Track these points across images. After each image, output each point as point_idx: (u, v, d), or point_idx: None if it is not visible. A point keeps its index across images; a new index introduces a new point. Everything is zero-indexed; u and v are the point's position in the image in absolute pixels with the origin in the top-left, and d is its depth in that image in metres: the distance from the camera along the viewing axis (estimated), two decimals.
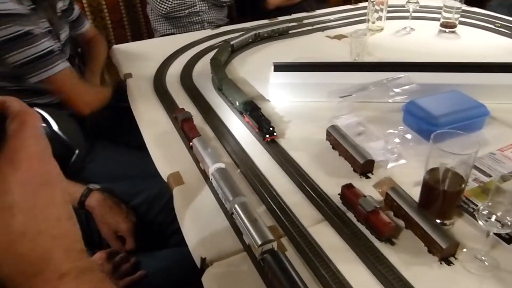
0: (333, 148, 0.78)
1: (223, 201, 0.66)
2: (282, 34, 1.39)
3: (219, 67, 1.10)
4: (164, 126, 0.91)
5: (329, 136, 0.79)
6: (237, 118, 0.92)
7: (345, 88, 0.88)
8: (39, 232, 0.32)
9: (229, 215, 0.64)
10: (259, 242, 0.55)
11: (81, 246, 0.34)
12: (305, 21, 1.53)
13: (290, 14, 1.62)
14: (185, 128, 0.85)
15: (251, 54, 1.28)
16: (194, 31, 1.80)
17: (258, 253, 0.55)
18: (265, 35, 1.36)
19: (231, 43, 1.26)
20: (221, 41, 1.33)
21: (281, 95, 0.97)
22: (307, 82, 0.97)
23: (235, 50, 1.28)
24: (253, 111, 0.86)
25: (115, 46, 1.42)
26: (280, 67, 1.01)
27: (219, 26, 1.71)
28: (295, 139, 0.83)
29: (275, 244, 0.55)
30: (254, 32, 1.34)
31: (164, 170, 0.77)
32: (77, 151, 0.41)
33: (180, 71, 1.17)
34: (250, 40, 1.33)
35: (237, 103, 0.92)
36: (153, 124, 0.93)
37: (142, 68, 1.19)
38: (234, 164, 0.77)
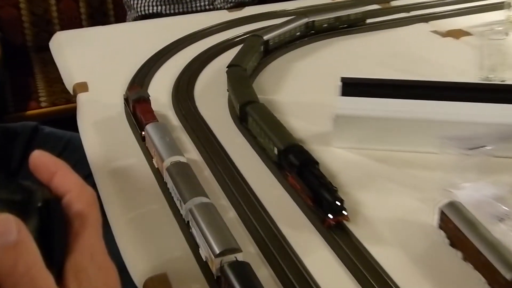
0: (452, 245, 0.76)
1: (178, 206, 0.78)
2: (353, 26, 1.41)
3: (242, 81, 1.11)
4: (141, 178, 0.91)
5: (444, 221, 0.77)
6: (272, 176, 0.91)
7: (473, 134, 0.86)
8: None
9: None
10: (217, 251, 0.64)
11: None
12: (394, 4, 1.55)
13: None
14: (137, 112, 0.99)
15: (299, 59, 1.29)
16: (196, 11, 1.83)
17: (216, 267, 0.64)
18: (325, 25, 1.38)
19: (264, 38, 1.27)
20: (245, 33, 1.35)
21: (354, 136, 0.97)
22: (401, 116, 0.96)
23: (271, 50, 1.29)
24: (305, 168, 0.85)
25: (58, 33, 1.44)
26: (352, 87, 1.01)
27: (241, 4, 1.73)
28: (379, 223, 0.82)
29: (240, 256, 0.65)
30: (306, 19, 1.36)
31: (138, 267, 0.76)
32: None
33: (173, 84, 1.18)
34: (298, 33, 1.34)
35: (275, 150, 0.92)
36: (120, 174, 0.93)
37: (106, 76, 1.21)
38: (262, 259, 0.75)
